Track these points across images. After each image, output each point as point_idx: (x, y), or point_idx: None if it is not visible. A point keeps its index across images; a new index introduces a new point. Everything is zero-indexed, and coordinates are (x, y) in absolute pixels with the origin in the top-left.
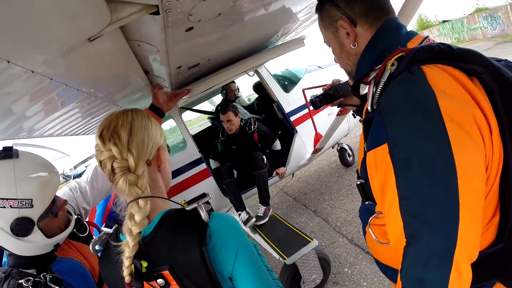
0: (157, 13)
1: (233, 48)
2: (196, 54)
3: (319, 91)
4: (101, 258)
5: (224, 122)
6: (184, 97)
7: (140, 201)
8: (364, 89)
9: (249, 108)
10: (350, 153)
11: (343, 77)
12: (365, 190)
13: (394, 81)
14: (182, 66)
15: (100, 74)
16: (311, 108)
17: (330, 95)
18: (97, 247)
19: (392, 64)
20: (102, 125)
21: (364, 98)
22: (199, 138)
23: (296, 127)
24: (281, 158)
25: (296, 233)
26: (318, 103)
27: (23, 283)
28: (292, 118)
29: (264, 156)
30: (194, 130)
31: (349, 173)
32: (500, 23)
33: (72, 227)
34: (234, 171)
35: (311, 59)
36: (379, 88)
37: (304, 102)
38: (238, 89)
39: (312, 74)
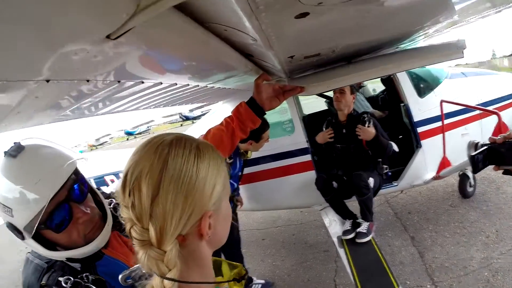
0: None
1: (365, 42)
2: (315, 44)
3: (482, 138)
4: None
5: (335, 92)
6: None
7: (166, 281)
8: None
9: (372, 100)
10: (473, 183)
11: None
12: None
13: None
14: (296, 55)
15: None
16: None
17: (499, 155)
18: (127, 280)
19: None
20: (129, 162)
21: None
22: (311, 120)
23: (421, 141)
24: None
25: (384, 269)
26: (480, 163)
27: (62, 282)
28: (420, 130)
29: (369, 179)
30: (308, 105)
31: (464, 206)
32: None
33: (97, 244)
34: (334, 182)
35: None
36: None
37: (439, 114)
38: None
39: (454, 81)
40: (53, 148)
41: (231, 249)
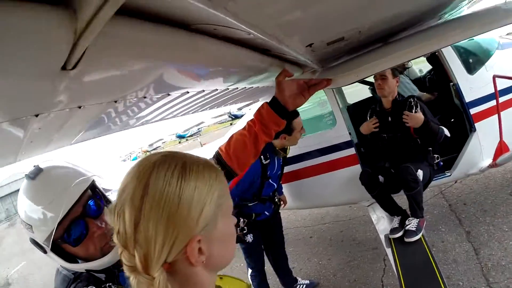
0: None
1: (394, 16)
2: (331, 27)
3: None
4: None
5: (376, 79)
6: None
7: None
8: None
9: (418, 82)
10: None
11: None
12: None
13: None
14: (315, 43)
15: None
16: None
17: None
18: None
19: None
20: (119, 187)
21: None
22: (356, 110)
23: (475, 124)
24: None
25: (433, 273)
26: None
27: None
28: (473, 111)
29: (418, 171)
30: (354, 94)
31: None
32: None
33: (113, 256)
34: (380, 176)
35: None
36: None
37: (493, 91)
38: None
39: (507, 52)
40: (68, 168)
41: (276, 249)
